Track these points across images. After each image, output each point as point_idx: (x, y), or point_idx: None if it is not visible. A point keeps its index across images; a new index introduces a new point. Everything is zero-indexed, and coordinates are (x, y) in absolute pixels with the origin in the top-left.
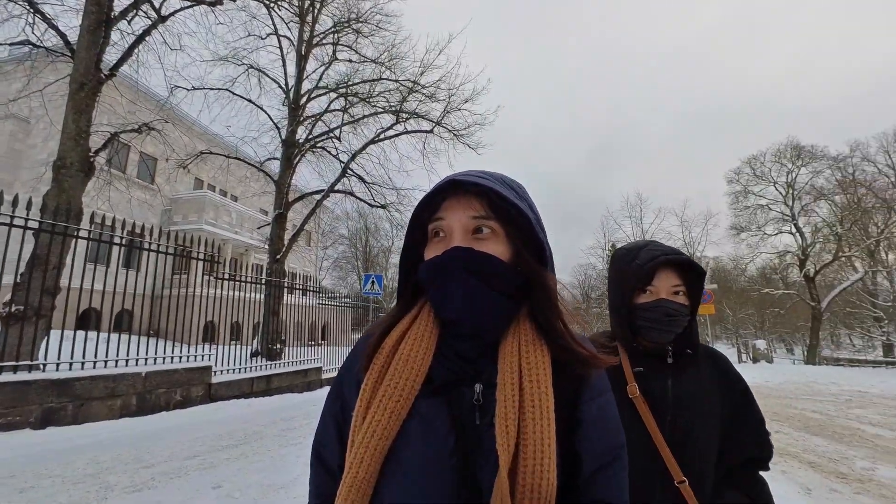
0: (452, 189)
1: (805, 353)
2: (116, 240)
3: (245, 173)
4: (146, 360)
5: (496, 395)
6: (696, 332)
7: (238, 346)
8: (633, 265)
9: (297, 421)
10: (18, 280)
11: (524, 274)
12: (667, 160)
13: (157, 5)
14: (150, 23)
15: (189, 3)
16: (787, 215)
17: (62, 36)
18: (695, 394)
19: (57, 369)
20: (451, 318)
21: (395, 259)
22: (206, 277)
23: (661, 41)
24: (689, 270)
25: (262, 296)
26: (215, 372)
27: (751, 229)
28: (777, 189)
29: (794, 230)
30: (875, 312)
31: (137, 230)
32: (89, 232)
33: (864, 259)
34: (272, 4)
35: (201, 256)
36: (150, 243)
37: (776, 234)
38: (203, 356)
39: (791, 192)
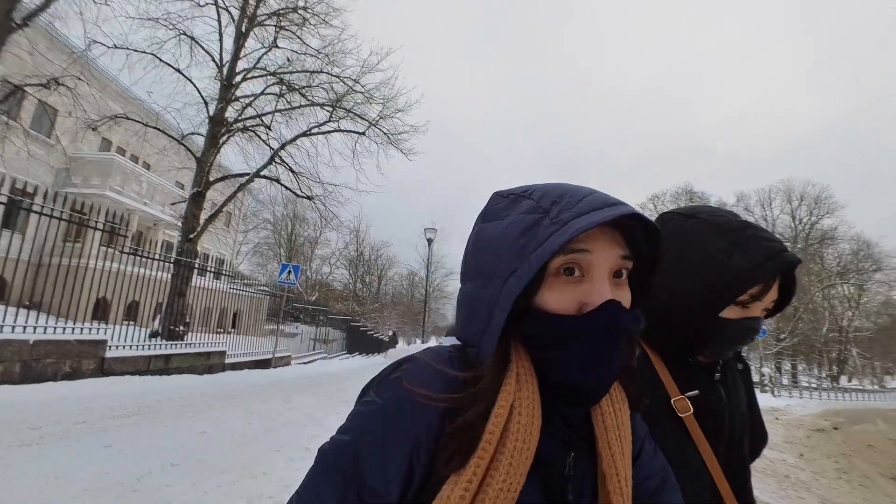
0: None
1: None
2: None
3: (164, 144)
4: (35, 328)
5: (605, 469)
6: None
7: (134, 327)
8: (738, 263)
9: (193, 399)
10: None
11: None
12: (622, 188)
13: None
14: None
15: None
16: None
17: None
18: (741, 406)
19: None
20: (592, 387)
21: (321, 252)
22: (103, 249)
23: (622, 83)
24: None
25: (169, 275)
26: (110, 346)
27: None
28: None
29: None
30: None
31: (29, 189)
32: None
33: None
34: None
35: (100, 226)
36: (42, 206)
37: None
38: (98, 329)
39: None
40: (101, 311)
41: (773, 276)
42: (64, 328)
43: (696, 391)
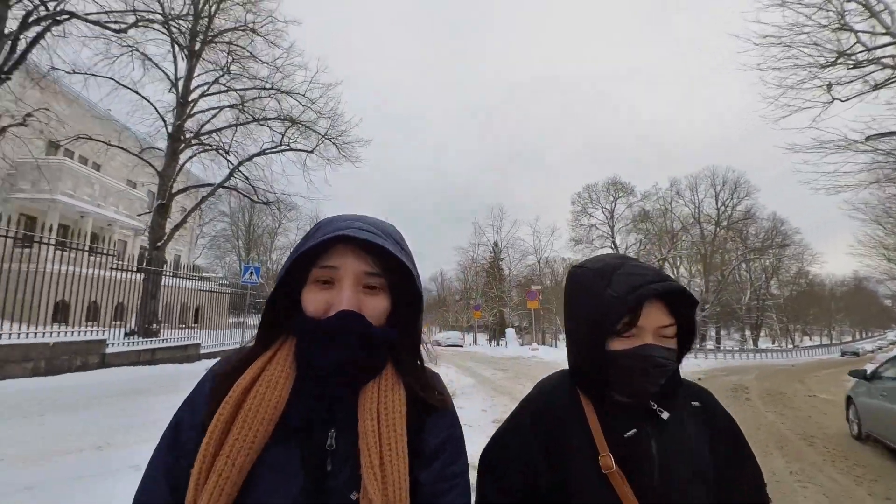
0: (343, 237)
1: None
2: None
3: (126, 159)
4: (52, 332)
5: (360, 445)
6: (679, 374)
7: (120, 328)
8: (607, 296)
9: (182, 380)
10: None
11: (397, 325)
12: (565, 178)
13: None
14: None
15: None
16: (609, 235)
17: None
18: (687, 453)
19: None
20: (331, 370)
21: (281, 241)
22: (58, 253)
23: (560, 75)
24: (679, 303)
25: (131, 276)
26: (109, 344)
27: (584, 242)
28: (603, 213)
29: (612, 247)
30: None
31: None
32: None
33: None
34: None
35: (51, 241)
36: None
37: (601, 248)
38: (98, 331)
39: (612, 217)
40: (61, 314)
41: (637, 304)
42: (73, 332)
43: (634, 430)
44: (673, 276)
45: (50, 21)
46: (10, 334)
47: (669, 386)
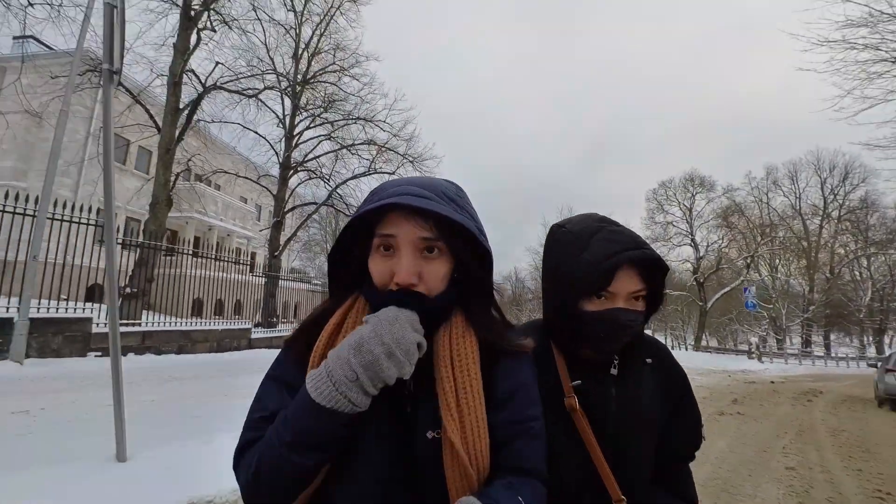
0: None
1: (693, 342)
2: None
3: (247, 188)
4: (219, 322)
5: (437, 388)
6: (642, 332)
7: (222, 321)
8: (583, 260)
9: None
10: (130, 273)
11: (462, 280)
12: (654, 164)
13: (205, 85)
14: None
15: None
16: (687, 232)
17: (151, 117)
18: (638, 402)
19: (161, 326)
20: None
21: None
22: (192, 259)
23: (653, 54)
24: (652, 268)
25: (256, 280)
26: (252, 331)
27: (660, 240)
28: (681, 209)
29: (692, 245)
30: (759, 313)
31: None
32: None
33: (742, 271)
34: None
35: (188, 251)
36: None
37: (679, 245)
38: (245, 321)
39: (690, 213)
40: (196, 309)
41: (609, 270)
42: (230, 321)
43: (579, 381)
44: (766, 274)
45: (205, 93)
46: (194, 322)
47: (633, 347)
